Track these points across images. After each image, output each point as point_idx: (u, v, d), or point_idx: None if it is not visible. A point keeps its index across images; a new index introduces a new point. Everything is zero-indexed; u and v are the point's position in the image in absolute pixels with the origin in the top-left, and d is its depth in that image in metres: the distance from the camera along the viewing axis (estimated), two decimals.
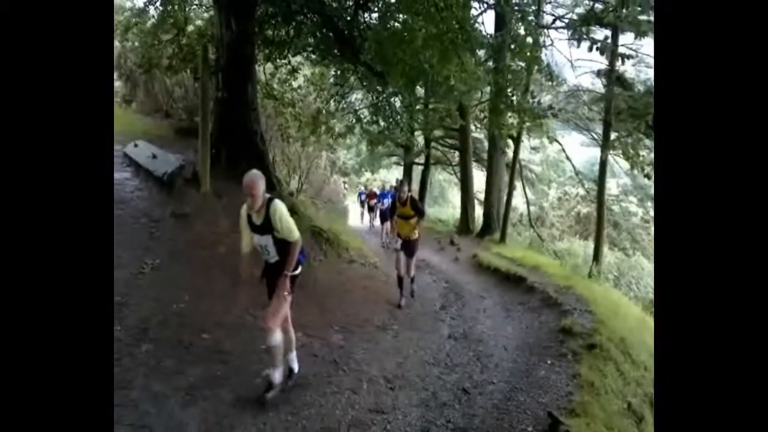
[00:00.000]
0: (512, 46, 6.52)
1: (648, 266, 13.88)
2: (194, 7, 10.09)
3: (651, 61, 12.85)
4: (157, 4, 8.75)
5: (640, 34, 6.22)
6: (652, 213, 17.76)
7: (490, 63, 7.62)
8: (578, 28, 4.46)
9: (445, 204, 25.80)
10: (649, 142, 14.03)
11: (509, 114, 7.56)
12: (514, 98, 7.49)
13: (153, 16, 9.26)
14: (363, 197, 17.70)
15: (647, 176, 4.99)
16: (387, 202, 11.16)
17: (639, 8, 5.92)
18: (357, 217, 20.23)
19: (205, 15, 10.32)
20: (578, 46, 4.66)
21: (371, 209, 15.10)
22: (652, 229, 18.14)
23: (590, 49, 4.60)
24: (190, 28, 9.50)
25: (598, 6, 7.21)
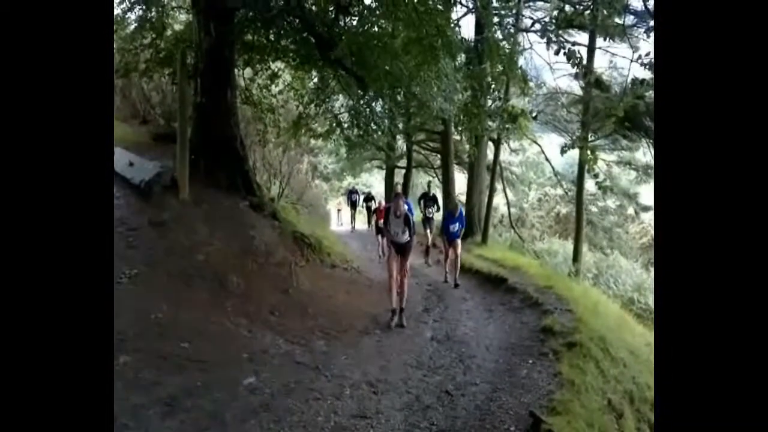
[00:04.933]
0: (489, 51, 6.60)
1: (625, 264, 14.14)
2: (172, 11, 9.96)
3: (625, 63, 13.15)
4: (137, 10, 8.62)
5: (609, 37, 6.34)
6: (629, 211, 18.15)
7: (468, 68, 7.67)
8: (548, 32, 4.48)
9: None
10: (625, 143, 14.38)
11: (485, 117, 7.59)
12: (490, 102, 7.55)
13: (129, 20, 9.13)
14: (355, 197, 16.28)
15: (598, 185, 5.12)
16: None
17: (611, 8, 6.01)
18: (341, 221, 19.77)
19: (182, 17, 10.20)
20: (547, 49, 4.70)
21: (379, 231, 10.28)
22: (630, 227, 18.53)
23: (557, 52, 4.64)
24: (168, 32, 9.37)
25: (569, 8, 7.30)
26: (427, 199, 9.47)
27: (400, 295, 5.62)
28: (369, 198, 15.56)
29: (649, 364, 4.88)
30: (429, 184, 11.70)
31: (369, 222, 14.58)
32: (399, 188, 8.50)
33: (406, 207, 5.53)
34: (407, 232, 5.59)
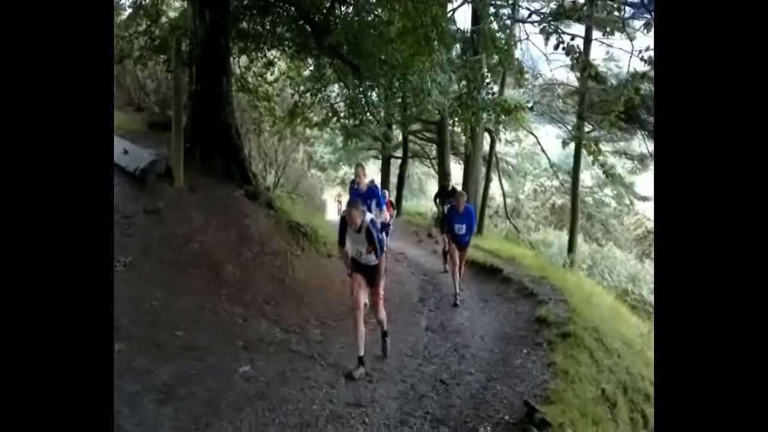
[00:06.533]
0: (485, 42, 6.55)
1: (620, 255, 14.21)
2: None
3: (623, 55, 13.14)
4: None
5: (607, 33, 6.34)
6: (625, 201, 18.19)
7: (463, 58, 7.60)
8: (547, 26, 4.48)
9: (424, 197, 25.85)
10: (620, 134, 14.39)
11: (480, 109, 7.48)
12: (484, 94, 7.43)
13: (124, 6, 9.03)
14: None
15: (605, 172, 4.97)
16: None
17: (612, 2, 5.98)
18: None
19: (177, 4, 10.06)
20: (546, 44, 4.70)
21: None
22: (625, 219, 18.59)
23: (556, 47, 4.66)
24: (163, 19, 9.25)
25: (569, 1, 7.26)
26: (446, 195, 8.07)
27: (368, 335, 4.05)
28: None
29: (642, 355, 4.93)
30: (447, 177, 11.37)
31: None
32: (362, 175, 6.12)
33: (367, 218, 3.81)
34: (373, 253, 3.85)
